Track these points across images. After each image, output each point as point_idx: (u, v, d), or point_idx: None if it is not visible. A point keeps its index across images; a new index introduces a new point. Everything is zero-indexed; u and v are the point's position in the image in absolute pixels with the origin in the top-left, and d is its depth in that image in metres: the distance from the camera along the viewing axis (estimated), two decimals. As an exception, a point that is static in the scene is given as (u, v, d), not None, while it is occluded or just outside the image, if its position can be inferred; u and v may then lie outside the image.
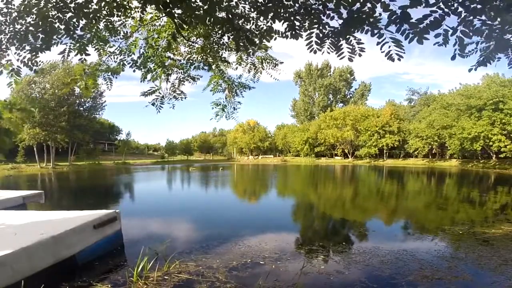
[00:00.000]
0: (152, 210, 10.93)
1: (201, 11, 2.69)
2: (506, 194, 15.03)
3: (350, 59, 2.69)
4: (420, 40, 2.31)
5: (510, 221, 8.21)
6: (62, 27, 3.00)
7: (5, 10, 3.05)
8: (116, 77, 4.63)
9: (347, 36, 2.60)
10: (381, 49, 2.46)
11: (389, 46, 2.43)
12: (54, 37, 3.11)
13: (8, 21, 3.05)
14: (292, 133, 66.67)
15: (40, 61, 3.37)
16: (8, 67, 3.36)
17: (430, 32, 2.29)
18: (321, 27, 2.64)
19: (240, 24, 3.04)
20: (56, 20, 2.95)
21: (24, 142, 36.81)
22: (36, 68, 3.43)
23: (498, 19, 2.33)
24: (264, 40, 3.22)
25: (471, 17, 2.31)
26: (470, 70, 2.86)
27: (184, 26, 2.92)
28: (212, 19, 2.85)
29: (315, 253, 5.67)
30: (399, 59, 2.48)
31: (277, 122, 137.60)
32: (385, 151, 53.44)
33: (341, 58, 2.68)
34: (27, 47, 3.16)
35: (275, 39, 3.04)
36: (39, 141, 37.51)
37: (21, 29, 3.04)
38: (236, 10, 2.95)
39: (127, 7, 2.98)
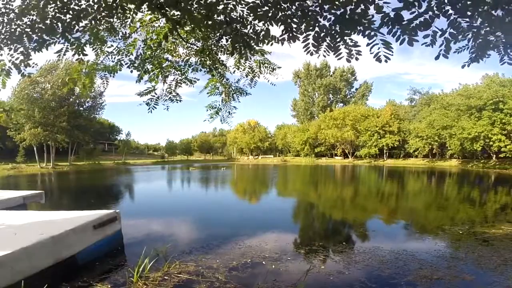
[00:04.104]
0: (152, 210, 10.93)
1: (197, 14, 2.69)
2: (506, 194, 15.02)
3: (348, 60, 2.70)
4: (411, 42, 2.36)
5: (510, 221, 8.21)
6: (60, 28, 3.00)
7: (3, 10, 3.05)
8: (113, 76, 4.63)
9: (344, 38, 2.61)
10: (370, 50, 2.50)
11: (379, 48, 2.47)
12: (50, 37, 3.11)
13: (5, 21, 3.04)
14: (292, 133, 66.66)
15: (33, 63, 3.37)
16: (1, 67, 3.35)
17: (419, 32, 2.34)
18: (317, 29, 2.65)
19: (238, 27, 3.03)
20: (55, 21, 2.94)
21: (24, 142, 36.81)
22: (25, 72, 3.42)
23: (486, 21, 2.38)
24: (261, 45, 3.22)
25: (459, 19, 2.34)
26: (463, 66, 2.93)
27: (178, 27, 2.92)
28: (208, 22, 2.85)
29: (315, 253, 5.67)
30: (386, 61, 2.52)
31: (278, 122, 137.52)
32: (385, 151, 53.43)
33: (339, 59, 2.70)
34: (20, 49, 3.15)
35: (271, 44, 3.04)
36: (39, 141, 37.51)
37: (17, 30, 3.04)
38: (234, 14, 2.94)
39: (126, 8, 2.98)
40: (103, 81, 4.67)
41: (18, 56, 3.21)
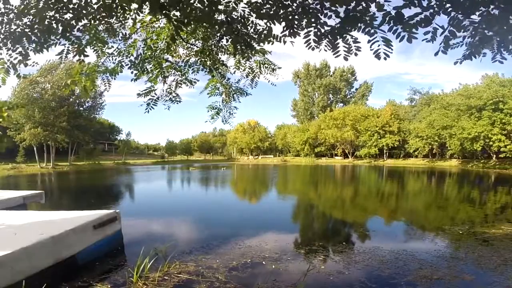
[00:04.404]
0: (152, 210, 10.93)
1: (199, 13, 2.69)
2: (506, 194, 15.02)
3: (345, 58, 2.73)
4: (410, 39, 2.38)
5: (510, 221, 8.21)
6: (60, 28, 3.00)
7: (2, 10, 3.05)
8: (114, 78, 4.63)
9: (344, 35, 2.63)
10: (370, 47, 2.52)
11: (379, 45, 2.49)
12: (51, 38, 3.11)
13: (5, 21, 3.04)
14: (292, 133, 66.67)
15: (33, 62, 3.38)
16: (1, 64, 3.35)
17: (419, 28, 2.37)
18: (319, 26, 2.67)
19: (239, 27, 3.03)
20: (54, 21, 2.94)
21: (24, 142, 36.81)
22: (20, 73, 3.42)
23: (483, 18, 2.40)
24: (262, 44, 3.23)
25: (460, 16, 2.37)
26: (455, 63, 2.94)
27: (183, 27, 2.92)
28: (211, 20, 2.85)
29: (315, 253, 5.67)
30: (385, 58, 2.54)
31: (278, 122, 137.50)
32: (385, 151, 53.43)
33: (336, 57, 2.71)
34: (19, 49, 3.14)
35: (272, 43, 3.05)
36: (39, 141, 37.51)
37: (17, 30, 3.04)
38: (235, 13, 2.95)
39: (126, 8, 2.98)
40: (105, 83, 4.67)
41: (16, 56, 3.20)
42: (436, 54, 2.63)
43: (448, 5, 2.33)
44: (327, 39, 2.68)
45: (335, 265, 5.05)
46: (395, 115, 53.20)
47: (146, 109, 4.69)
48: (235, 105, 5.40)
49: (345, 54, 2.70)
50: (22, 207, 8.15)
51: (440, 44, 2.53)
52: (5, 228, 4.92)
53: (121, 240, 5.95)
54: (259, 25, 3.05)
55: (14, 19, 3.01)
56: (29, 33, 3.00)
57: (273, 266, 4.87)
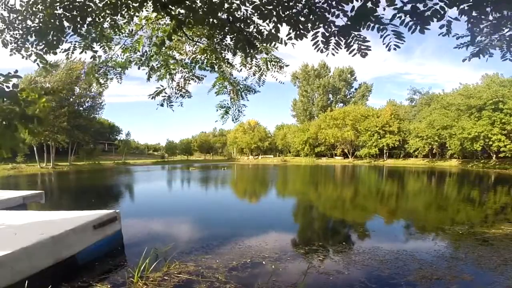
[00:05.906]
0: (152, 210, 10.93)
1: (202, 13, 2.69)
2: (506, 194, 15.02)
3: (363, 55, 2.66)
4: (422, 31, 2.37)
5: (510, 221, 8.21)
6: (70, 25, 3.07)
7: (17, 7, 3.12)
8: (124, 73, 4.68)
9: (354, 33, 2.60)
10: (383, 40, 2.53)
11: (390, 38, 2.50)
12: (63, 34, 3.19)
13: (20, 17, 3.11)
14: (292, 133, 66.69)
15: (61, 50, 3.45)
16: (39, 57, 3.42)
17: (430, 23, 2.36)
18: (326, 26, 2.63)
19: (242, 27, 3.02)
20: (64, 18, 3.00)
21: (24, 142, 36.75)
22: (48, 67, 3.49)
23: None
24: (265, 44, 3.22)
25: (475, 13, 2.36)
26: (464, 60, 2.96)
27: (182, 26, 2.92)
28: (211, 21, 2.84)
29: (315, 253, 5.67)
30: (395, 49, 2.55)
31: (278, 121, 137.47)
32: (385, 151, 53.44)
33: (353, 55, 2.68)
34: (42, 42, 3.24)
35: (276, 46, 3.03)
36: (39, 141, 37.47)
37: (32, 26, 3.11)
38: (238, 13, 2.93)
39: (130, 6, 2.99)
40: (117, 77, 4.72)
41: (42, 46, 3.31)
42: (465, 47, 2.65)
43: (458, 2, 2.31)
44: (335, 39, 2.64)
45: (335, 265, 5.05)
46: (395, 115, 53.21)
47: (171, 109, 4.81)
48: (244, 103, 5.38)
49: (361, 52, 2.66)
50: (22, 207, 8.16)
51: (463, 39, 2.51)
52: (5, 228, 4.92)
53: (121, 240, 5.95)
54: (261, 26, 3.03)
55: (28, 16, 3.09)
56: (44, 28, 3.06)
57: (273, 266, 4.87)
